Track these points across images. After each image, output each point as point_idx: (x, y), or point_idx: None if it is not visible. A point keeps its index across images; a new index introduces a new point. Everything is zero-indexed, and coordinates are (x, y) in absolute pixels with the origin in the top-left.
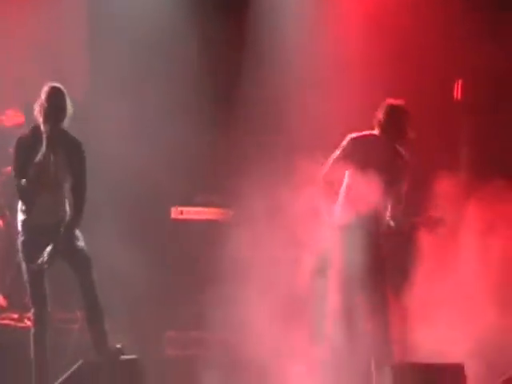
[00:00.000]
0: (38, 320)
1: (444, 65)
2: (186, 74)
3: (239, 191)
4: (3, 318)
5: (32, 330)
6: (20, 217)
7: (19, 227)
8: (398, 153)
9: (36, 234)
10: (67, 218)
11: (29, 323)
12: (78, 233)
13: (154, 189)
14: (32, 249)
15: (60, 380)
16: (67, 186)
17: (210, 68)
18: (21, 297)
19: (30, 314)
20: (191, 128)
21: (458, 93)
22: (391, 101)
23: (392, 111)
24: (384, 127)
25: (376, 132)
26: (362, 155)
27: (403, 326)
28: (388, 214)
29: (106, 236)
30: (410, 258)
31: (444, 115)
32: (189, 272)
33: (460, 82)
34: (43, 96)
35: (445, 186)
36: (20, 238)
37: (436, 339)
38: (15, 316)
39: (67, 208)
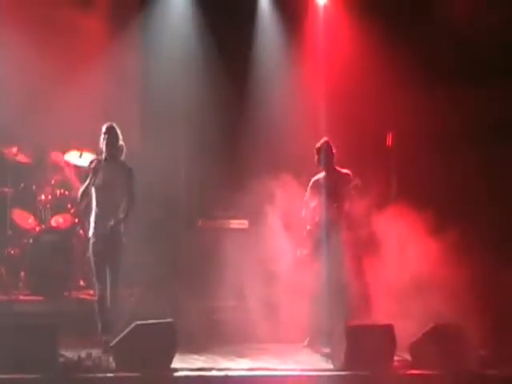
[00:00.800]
0: (100, 294)
1: (380, 120)
2: (203, 121)
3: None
4: (83, 293)
5: (96, 301)
6: (91, 225)
7: (90, 233)
8: (339, 173)
9: (101, 237)
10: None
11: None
12: (123, 239)
13: (186, 205)
14: (98, 246)
15: (117, 338)
16: (122, 199)
17: (221, 113)
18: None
19: (95, 290)
20: (211, 163)
21: (389, 141)
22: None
23: (318, 149)
24: (319, 161)
25: None
26: (319, 187)
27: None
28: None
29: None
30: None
31: (379, 156)
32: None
33: (391, 134)
34: (102, 133)
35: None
36: (91, 241)
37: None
38: (91, 292)
39: (122, 222)
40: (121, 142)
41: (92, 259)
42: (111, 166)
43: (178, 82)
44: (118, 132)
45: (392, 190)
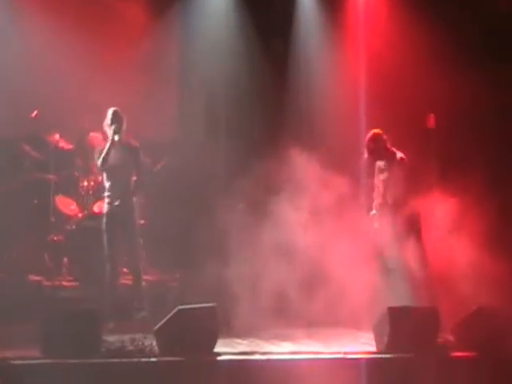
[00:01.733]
0: (111, 276)
1: (420, 101)
2: (243, 107)
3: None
4: (126, 279)
5: (107, 283)
6: (105, 205)
7: (104, 211)
8: (393, 158)
9: (114, 215)
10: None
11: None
12: (136, 216)
13: (226, 190)
14: (111, 223)
15: (160, 323)
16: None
17: (260, 99)
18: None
19: (106, 272)
20: (250, 149)
21: (430, 122)
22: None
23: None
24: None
25: None
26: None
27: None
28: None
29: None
30: None
31: (420, 138)
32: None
33: (432, 114)
34: (109, 118)
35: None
36: (104, 219)
37: None
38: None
39: (133, 197)
40: (124, 126)
41: (105, 237)
42: (119, 148)
43: (217, 68)
44: (123, 117)
45: (433, 172)
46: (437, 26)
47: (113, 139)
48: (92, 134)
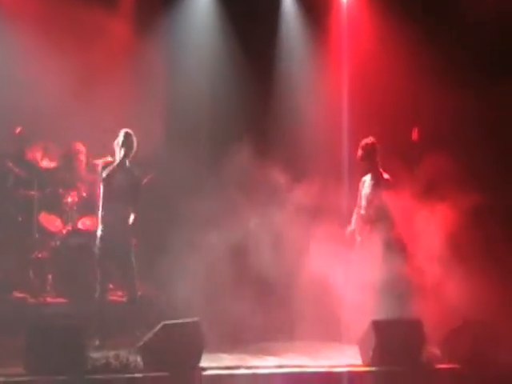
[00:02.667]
0: (101, 294)
1: (405, 114)
2: (227, 121)
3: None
4: (112, 295)
5: (96, 299)
6: (100, 227)
7: (98, 235)
8: (379, 177)
9: (109, 240)
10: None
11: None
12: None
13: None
14: (105, 248)
15: (145, 338)
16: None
17: (245, 112)
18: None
19: (97, 293)
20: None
21: (415, 136)
22: (364, 140)
23: (363, 147)
24: (362, 158)
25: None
26: (361, 189)
27: None
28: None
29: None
30: None
31: (404, 149)
32: None
33: (416, 128)
34: (119, 139)
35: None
36: (98, 243)
37: None
38: (119, 293)
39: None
40: (134, 150)
41: (97, 258)
42: (122, 173)
43: (202, 82)
44: (134, 140)
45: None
46: (424, 40)
47: (121, 160)
48: (76, 144)
